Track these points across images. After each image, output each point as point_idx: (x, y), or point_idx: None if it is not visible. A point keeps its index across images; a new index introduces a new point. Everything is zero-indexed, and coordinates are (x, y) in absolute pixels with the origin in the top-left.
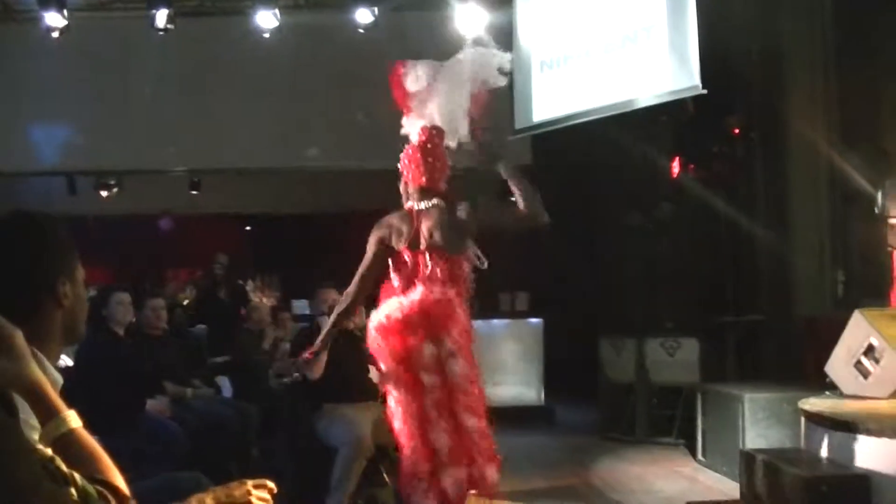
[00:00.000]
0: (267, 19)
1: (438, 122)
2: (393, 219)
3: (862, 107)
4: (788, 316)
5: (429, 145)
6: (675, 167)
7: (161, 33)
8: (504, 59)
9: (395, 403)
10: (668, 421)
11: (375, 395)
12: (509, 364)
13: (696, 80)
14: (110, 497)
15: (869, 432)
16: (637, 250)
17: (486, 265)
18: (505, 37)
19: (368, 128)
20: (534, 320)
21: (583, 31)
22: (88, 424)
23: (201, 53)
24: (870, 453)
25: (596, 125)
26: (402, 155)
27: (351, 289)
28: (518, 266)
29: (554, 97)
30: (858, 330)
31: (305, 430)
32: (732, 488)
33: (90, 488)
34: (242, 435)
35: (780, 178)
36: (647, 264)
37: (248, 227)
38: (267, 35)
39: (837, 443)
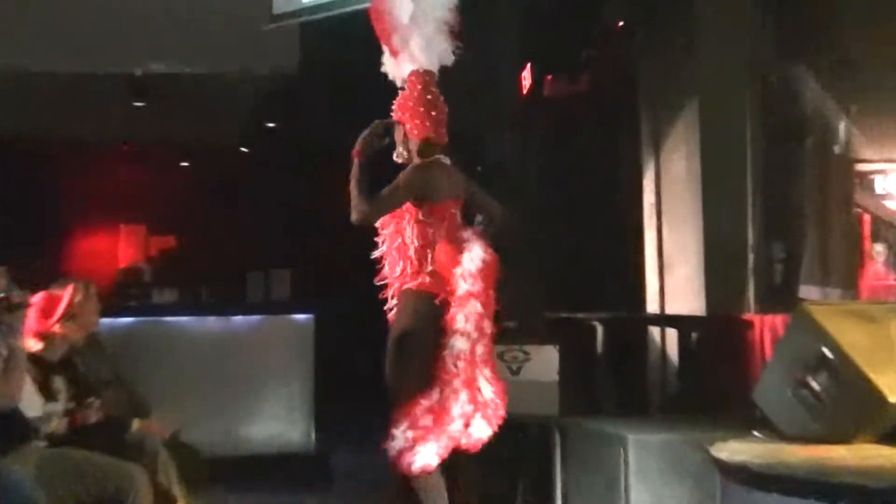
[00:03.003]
0: None
1: (424, 61)
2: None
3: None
4: (692, 312)
5: (427, 94)
6: (526, 80)
7: None
8: None
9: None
10: (510, 472)
11: None
12: (260, 387)
13: None
14: None
15: (820, 496)
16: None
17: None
18: None
19: None
20: (300, 316)
21: None
22: None
23: None
24: None
25: None
26: (395, 104)
27: (369, 207)
28: (275, 229)
29: None
30: (804, 335)
31: None
32: None
33: None
34: None
35: (683, 99)
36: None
37: None
38: None
39: None
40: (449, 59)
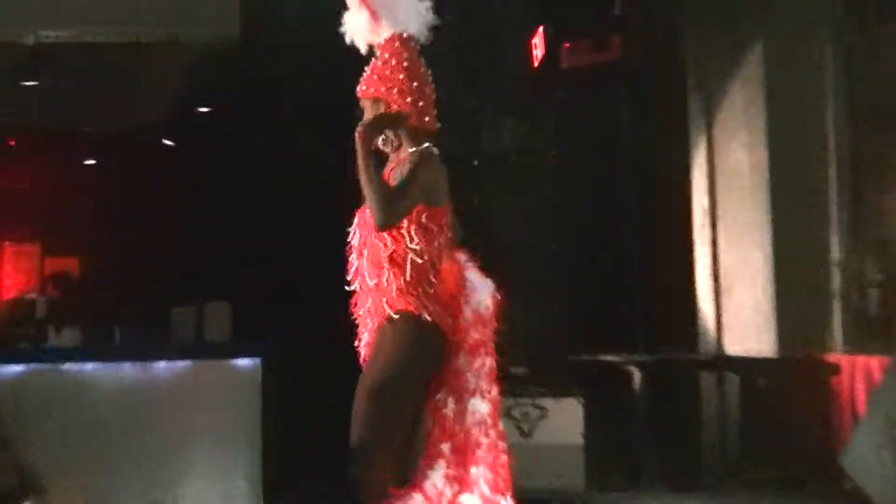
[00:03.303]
0: None
1: (411, 25)
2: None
3: None
4: (758, 351)
5: (418, 65)
6: (538, 48)
7: None
8: None
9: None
10: None
11: None
12: (192, 452)
13: None
14: None
15: None
16: None
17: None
18: None
19: None
20: (243, 361)
21: None
22: None
23: None
24: None
25: None
26: (370, 74)
27: (395, 208)
28: (209, 248)
29: None
30: None
31: None
32: None
33: None
34: None
35: (743, 70)
36: (464, 240)
37: None
38: None
39: None
40: (431, 23)
